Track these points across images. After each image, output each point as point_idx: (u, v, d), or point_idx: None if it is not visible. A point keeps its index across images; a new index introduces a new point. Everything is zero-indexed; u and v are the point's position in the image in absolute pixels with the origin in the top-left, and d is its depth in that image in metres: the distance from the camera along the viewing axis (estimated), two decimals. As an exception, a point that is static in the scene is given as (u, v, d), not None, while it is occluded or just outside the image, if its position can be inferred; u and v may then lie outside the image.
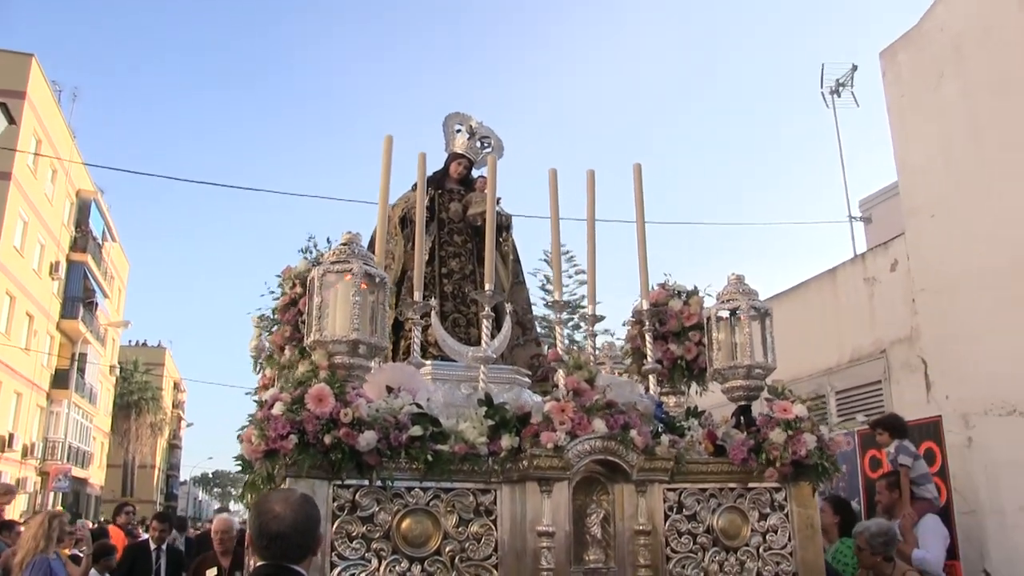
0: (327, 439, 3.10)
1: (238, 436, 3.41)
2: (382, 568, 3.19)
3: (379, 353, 3.73)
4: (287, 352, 4.20)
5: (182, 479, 60.63)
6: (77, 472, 29.98)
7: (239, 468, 3.56)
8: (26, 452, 26.21)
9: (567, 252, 25.39)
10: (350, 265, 3.48)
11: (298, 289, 4.17)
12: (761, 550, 3.82)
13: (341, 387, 3.25)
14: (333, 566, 3.14)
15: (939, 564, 4.95)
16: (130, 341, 43.18)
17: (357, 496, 3.25)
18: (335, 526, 3.19)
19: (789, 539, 3.89)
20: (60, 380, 28.81)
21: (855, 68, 8.75)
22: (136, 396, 42.13)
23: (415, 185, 5.75)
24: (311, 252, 5.16)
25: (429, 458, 3.26)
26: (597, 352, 5.93)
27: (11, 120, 10.51)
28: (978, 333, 6.55)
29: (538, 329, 5.86)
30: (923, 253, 7.37)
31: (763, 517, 3.89)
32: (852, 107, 10.17)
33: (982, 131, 6.83)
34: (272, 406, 3.19)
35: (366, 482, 3.25)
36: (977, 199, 6.75)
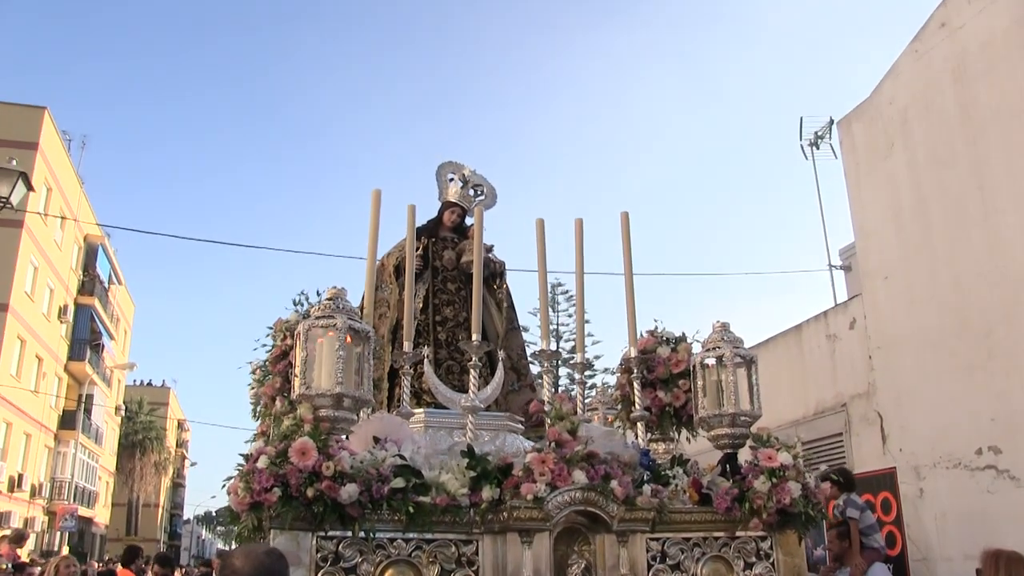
0: (309, 492, 3.15)
1: (224, 487, 3.48)
2: (365, 620, 3.22)
3: (364, 406, 3.78)
4: (278, 403, 4.26)
5: (185, 518, 60.35)
6: (83, 511, 30.24)
7: (226, 520, 3.60)
8: (34, 492, 26.49)
9: (567, 292, 25.48)
10: (334, 320, 3.56)
11: (288, 341, 4.24)
12: (747, 599, 3.83)
13: (324, 441, 3.31)
14: (316, 617, 3.17)
15: None
16: (135, 381, 43.43)
17: (340, 547, 3.29)
18: (318, 578, 3.23)
19: (776, 588, 3.90)
20: (67, 421, 29.13)
21: (832, 122, 8.97)
22: (141, 435, 42.31)
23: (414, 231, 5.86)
24: (302, 305, 5.24)
25: (411, 510, 3.30)
26: (591, 398, 5.99)
27: (29, 187, 10.85)
28: (925, 390, 6.99)
29: (533, 374, 5.90)
30: (878, 313, 7.81)
31: (748, 566, 3.90)
32: (831, 158, 10.41)
33: (926, 201, 7.24)
34: (257, 459, 3.26)
35: (349, 533, 3.29)
36: (924, 264, 7.17)
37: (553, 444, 3.59)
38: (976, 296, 6.59)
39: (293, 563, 3.11)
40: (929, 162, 7.27)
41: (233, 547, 2.82)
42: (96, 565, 15.50)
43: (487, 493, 3.41)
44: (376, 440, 3.79)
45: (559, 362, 18.76)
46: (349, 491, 3.19)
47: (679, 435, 4.84)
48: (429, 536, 3.42)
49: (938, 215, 7.08)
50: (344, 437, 3.66)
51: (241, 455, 3.37)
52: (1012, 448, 6.10)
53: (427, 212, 5.99)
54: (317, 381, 3.53)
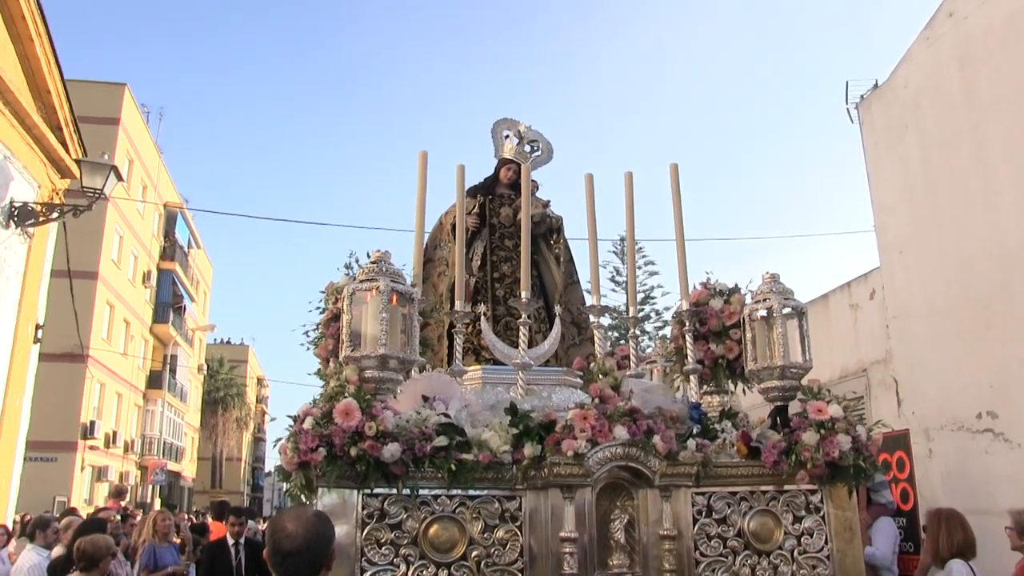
0: (353, 451, 3.24)
1: (275, 447, 3.60)
2: (410, 573, 3.32)
3: (410, 366, 3.84)
4: (331, 364, 4.37)
5: (267, 470, 62.69)
6: (171, 466, 32.13)
7: (280, 478, 3.74)
8: (127, 448, 28.15)
9: (637, 246, 25.25)
10: (377, 283, 3.61)
11: (339, 304, 4.32)
12: (796, 553, 3.80)
13: (368, 401, 3.38)
14: (363, 571, 3.28)
15: (886, 559, 5.46)
16: (215, 340, 45.09)
17: (385, 504, 3.38)
18: (365, 533, 3.33)
19: (826, 542, 3.86)
20: (154, 381, 30.73)
21: (876, 85, 8.78)
22: (222, 393, 44.09)
23: (468, 190, 5.88)
24: (352, 268, 5.35)
25: (453, 467, 3.37)
26: (648, 351, 5.98)
27: (119, 178, 11.40)
28: (934, 358, 7.53)
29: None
30: (894, 285, 8.35)
31: (797, 520, 3.86)
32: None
33: (935, 180, 7.77)
34: (304, 420, 3.36)
35: (394, 491, 3.37)
36: (933, 240, 7.71)
37: (596, 400, 3.61)
38: (977, 270, 7.04)
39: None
40: (938, 144, 7.71)
41: (282, 511, 2.92)
42: (185, 517, 16.22)
43: (529, 450, 3.45)
44: (425, 399, 3.87)
45: (619, 315, 18.63)
46: (391, 450, 3.27)
47: (735, 387, 4.78)
48: (473, 492, 3.49)
49: (945, 194, 7.57)
50: (393, 396, 3.74)
51: (289, 416, 3.48)
52: (1007, 412, 6.55)
53: (485, 172, 6.02)
54: (362, 343, 3.60)
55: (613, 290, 22.39)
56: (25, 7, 9.70)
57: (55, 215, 10.78)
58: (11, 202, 10.12)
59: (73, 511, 9.79)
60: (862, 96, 9.01)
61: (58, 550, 6.70)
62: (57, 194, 11.32)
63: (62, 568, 5.94)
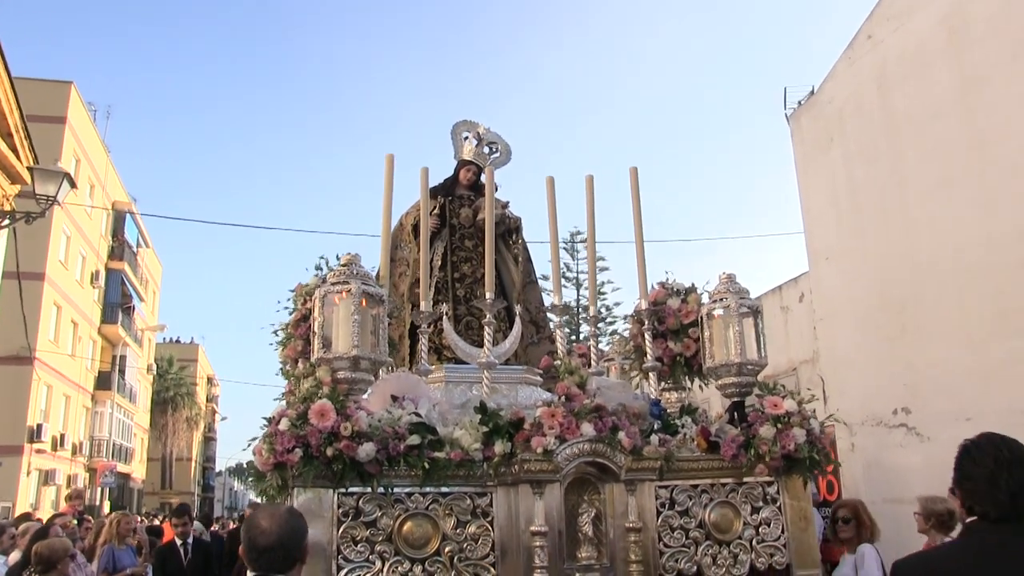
0: (329, 452, 3.31)
1: (250, 448, 3.65)
2: (385, 569, 3.40)
3: (381, 366, 3.92)
4: (300, 364, 4.41)
5: (217, 470, 61.77)
6: (121, 467, 31.64)
7: (254, 479, 3.78)
8: (75, 450, 27.69)
9: (580, 234, 25.45)
10: (349, 285, 3.68)
11: (308, 305, 4.37)
12: (754, 542, 3.97)
13: (342, 402, 3.45)
14: (339, 568, 3.36)
15: None
16: (165, 339, 44.35)
17: (360, 502, 3.46)
18: (340, 531, 3.41)
19: (783, 531, 4.03)
20: (103, 382, 30.24)
21: (813, 91, 9.23)
22: (172, 392, 43.46)
23: (430, 190, 5.94)
24: (322, 269, 5.40)
25: (426, 465, 3.45)
26: (608, 347, 6.11)
27: (73, 185, 11.62)
28: (856, 358, 8.01)
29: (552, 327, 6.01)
30: (821, 289, 8.85)
31: (756, 511, 4.03)
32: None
33: (857, 192, 8.26)
34: (279, 421, 3.41)
35: (368, 489, 3.45)
36: (856, 247, 8.19)
37: (563, 398, 3.73)
38: (893, 278, 7.54)
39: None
40: (859, 157, 8.24)
41: (259, 503, 2.99)
42: (139, 519, 16.02)
43: (499, 447, 3.55)
44: (394, 398, 3.95)
45: (578, 314, 18.89)
46: (366, 450, 3.34)
47: (692, 384, 4.94)
48: (445, 489, 3.58)
49: (866, 205, 8.10)
50: (364, 396, 3.82)
51: (264, 417, 3.53)
52: (917, 409, 7.11)
53: (447, 174, 6.09)
54: (334, 344, 3.67)
55: (564, 286, 22.56)
56: None
57: (6, 222, 10.90)
58: None
59: (28, 516, 9.84)
60: (799, 102, 9.45)
61: (15, 555, 6.72)
62: (7, 200, 11.41)
63: (18, 573, 5.89)
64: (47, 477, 24.75)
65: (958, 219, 6.85)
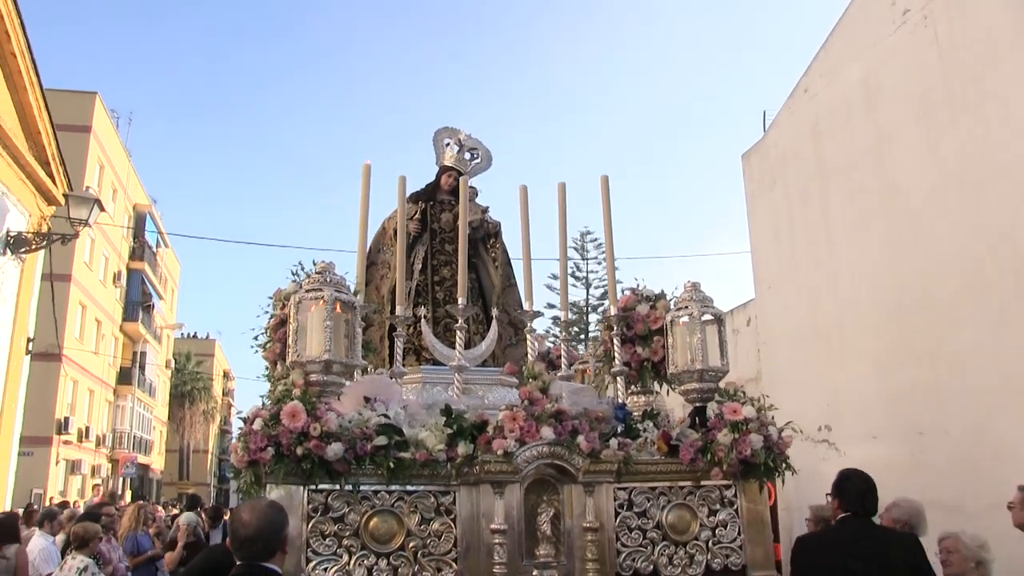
0: (299, 451, 3.51)
1: (232, 446, 3.87)
2: (352, 563, 3.60)
3: (352, 369, 4.12)
4: (279, 367, 4.62)
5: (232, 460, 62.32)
6: (141, 459, 32.61)
7: (233, 475, 4.00)
8: (99, 442, 28.79)
9: (595, 240, 25.51)
10: (322, 292, 3.88)
11: (287, 310, 4.57)
12: (711, 544, 4.11)
13: (313, 404, 3.66)
14: (308, 561, 3.56)
15: None
16: (182, 334, 45.07)
17: (329, 499, 3.66)
18: (310, 526, 3.60)
19: (739, 533, 4.18)
20: (124, 377, 31.41)
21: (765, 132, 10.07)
22: (189, 386, 44.30)
23: (410, 196, 6.13)
24: (299, 275, 5.61)
25: (392, 465, 3.65)
26: (582, 352, 6.27)
27: (102, 208, 13.20)
28: (791, 378, 8.73)
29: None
30: (765, 315, 9.63)
31: (713, 513, 4.17)
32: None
33: (794, 230, 9.18)
34: (253, 421, 3.63)
35: (337, 487, 3.65)
36: (791, 279, 9.11)
37: (526, 402, 3.91)
38: (821, 308, 8.49)
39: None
40: (796, 199, 9.15)
41: (241, 503, 3.24)
42: (160, 509, 16.56)
43: (462, 449, 3.74)
44: (367, 400, 4.15)
45: (587, 313, 19.00)
46: (334, 449, 3.54)
47: (661, 388, 5.07)
48: (410, 488, 3.76)
49: (800, 242, 9.04)
50: (337, 398, 4.02)
51: (239, 417, 3.74)
52: (836, 427, 7.89)
53: (426, 178, 6.28)
54: (308, 349, 3.87)
55: (573, 285, 22.70)
56: (21, 62, 11.15)
57: (45, 243, 12.17)
58: (7, 232, 11.43)
59: (66, 504, 11.59)
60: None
61: (61, 537, 7.99)
62: (45, 220, 12.70)
63: (63, 551, 7.12)
64: (73, 467, 25.90)
65: (872, 259, 7.77)
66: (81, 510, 10.45)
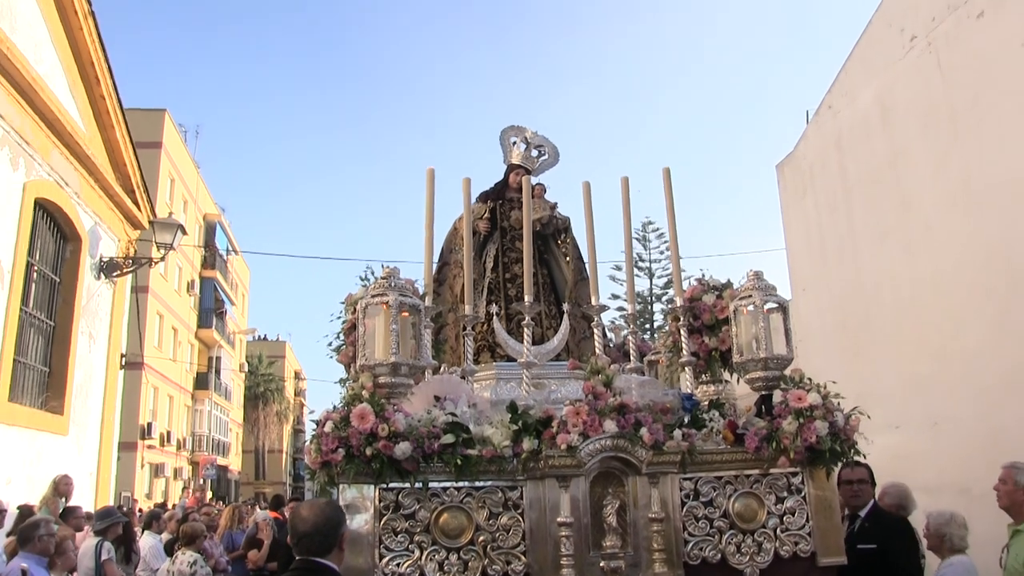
0: (368, 451, 3.64)
1: (305, 448, 4.02)
2: (423, 557, 3.71)
3: (420, 370, 4.23)
4: (352, 369, 4.78)
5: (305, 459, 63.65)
6: (219, 460, 33.41)
7: (308, 475, 4.16)
8: (179, 445, 30.14)
9: (658, 229, 25.36)
10: (387, 297, 4.00)
11: (358, 314, 4.72)
12: (779, 531, 4.11)
13: (381, 405, 3.78)
14: (382, 557, 3.68)
15: None
16: (254, 337, 46.27)
17: (400, 497, 3.78)
18: (382, 523, 3.72)
19: (807, 520, 4.16)
20: (201, 382, 32.50)
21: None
22: (262, 388, 45.43)
23: (480, 195, 6.24)
24: (368, 280, 5.79)
25: (459, 462, 3.75)
26: (654, 343, 6.29)
27: (184, 232, 14.43)
28: (824, 372, 9.99)
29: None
30: (799, 315, 9.67)
31: (780, 500, 4.17)
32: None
33: (823, 237, 10.02)
34: (324, 424, 3.77)
35: (407, 485, 3.77)
36: (823, 283, 9.95)
37: (590, 396, 3.97)
38: (848, 307, 9.30)
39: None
40: (824, 208, 9.93)
41: (303, 501, 3.38)
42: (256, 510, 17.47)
43: (527, 444, 3.81)
44: (436, 399, 4.27)
45: (651, 302, 18.94)
46: (403, 448, 3.66)
47: (731, 377, 5.08)
48: (478, 484, 3.85)
49: (829, 248, 9.83)
50: (407, 398, 4.13)
51: (312, 420, 3.90)
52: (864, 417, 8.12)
53: (498, 177, 6.37)
54: (375, 352, 4.00)
55: (636, 275, 22.62)
56: (109, 104, 12.23)
57: (133, 266, 13.32)
58: (100, 258, 12.45)
59: (164, 506, 13.18)
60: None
61: (165, 535, 9.22)
62: (132, 244, 13.75)
63: (171, 546, 8.17)
64: (157, 470, 27.11)
65: (891, 264, 8.55)
66: (177, 512, 11.70)
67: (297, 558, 2.97)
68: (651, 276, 25.83)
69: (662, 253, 24.98)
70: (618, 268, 23.33)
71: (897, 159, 8.53)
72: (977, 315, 7.18)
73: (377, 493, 3.76)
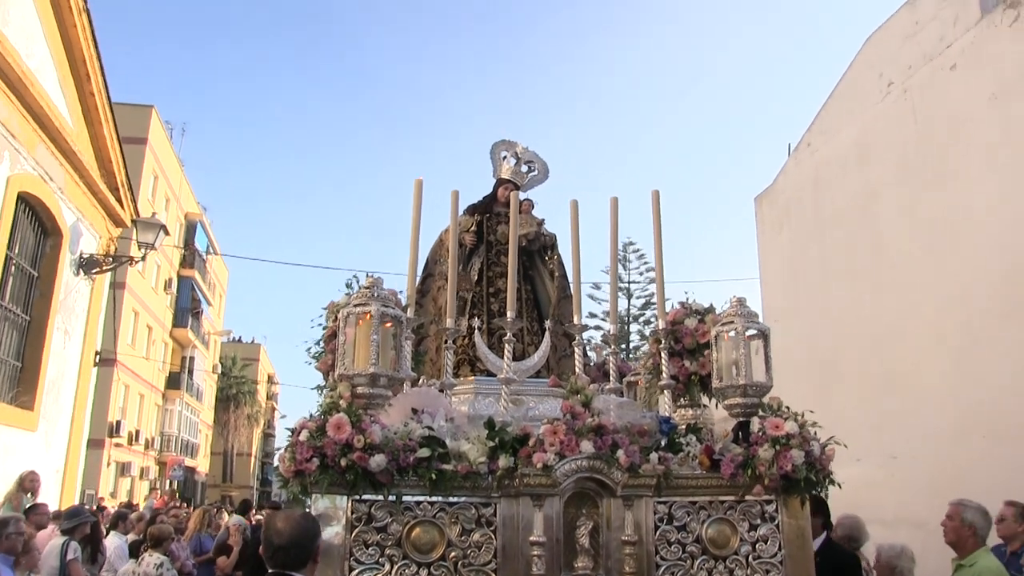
0: (343, 462, 3.60)
1: (279, 456, 3.98)
2: (394, 571, 3.66)
3: (399, 382, 4.20)
4: (331, 377, 4.74)
5: (275, 465, 63.15)
6: (187, 461, 33.08)
7: (280, 484, 4.11)
8: (147, 445, 29.79)
9: (638, 250, 25.47)
10: (369, 307, 3.97)
11: (339, 323, 4.68)
12: (750, 559, 4.11)
13: (358, 416, 3.74)
14: (351, 569, 3.63)
15: None
16: (228, 338, 45.93)
17: (372, 509, 3.73)
18: (353, 535, 3.68)
19: (779, 548, 4.16)
20: (173, 382, 32.19)
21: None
22: (234, 390, 45.13)
23: (467, 208, 6.22)
24: (352, 288, 5.78)
25: (434, 476, 3.72)
26: (634, 364, 6.29)
27: (167, 233, 14.70)
28: (795, 404, 9.10)
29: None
30: (772, 345, 10.04)
31: (753, 528, 4.17)
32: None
33: (796, 271, 10.34)
34: (299, 433, 3.73)
35: (380, 497, 3.73)
36: (795, 316, 10.11)
37: (568, 415, 3.95)
38: (818, 340, 9.56)
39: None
40: (798, 244, 10.28)
41: (275, 512, 3.33)
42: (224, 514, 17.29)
43: (503, 462, 3.78)
44: (414, 411, 4.23)
45: (628, 323, 18.98)
46: (377, 461, 3.62)
47: (710, 401, 5.08)
48: (452, 499, 3.82)
49: (801, 283, 10.20)
50: (384, 410, 4.10)
51: (287, 428, 3.85)
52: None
53: (487, 190, 6.36)
54: (354, 362, 3.96)
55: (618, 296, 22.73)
56: (98, 100, 12.14)
57: (113, 264, 13.31)
58: (80, 254, 12.36)
59: (130, 505, 13.45)
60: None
61: (132, 536, 9.07)
62: (112, 241, 13.76)
63: (136, 548, 8.07)
64: (123, 469, 26.81)
65: (859, 302, 8.81)
66: (145, 513, 11.68)
67: (271, 570, 2.93)
68: (629, 296, 25.92)
69: (641, 274, 25.13)
70: (596, 287, 23.31)
71: (869, 200, 8.84)
72: (936, 356, 7.49)
73: (350, 504, 3.71)
